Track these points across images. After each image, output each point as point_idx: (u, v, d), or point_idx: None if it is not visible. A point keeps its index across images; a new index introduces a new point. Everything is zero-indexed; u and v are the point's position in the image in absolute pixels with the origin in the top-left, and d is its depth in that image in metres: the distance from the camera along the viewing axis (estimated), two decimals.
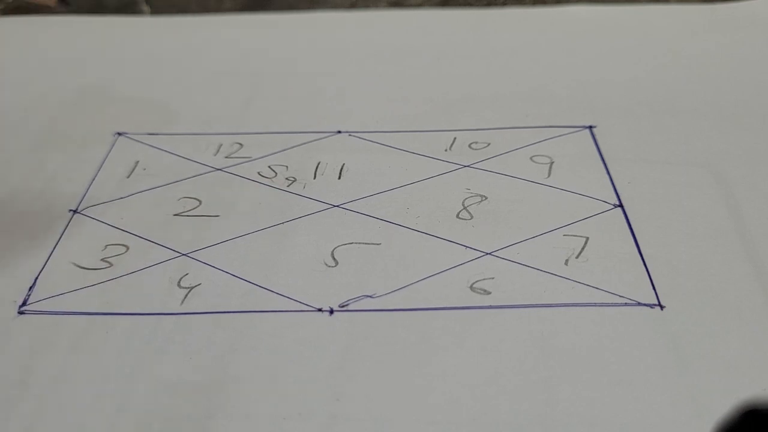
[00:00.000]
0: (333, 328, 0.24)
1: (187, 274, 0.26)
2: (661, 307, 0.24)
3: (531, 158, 0.31)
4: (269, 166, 0.31)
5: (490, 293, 0.25)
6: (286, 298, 0.25)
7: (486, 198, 0.29)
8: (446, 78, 0.37)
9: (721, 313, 0.24)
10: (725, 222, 0.27)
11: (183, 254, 0.27)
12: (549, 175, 0.30)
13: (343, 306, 0.24)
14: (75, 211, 0.29)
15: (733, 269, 0.25)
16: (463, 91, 0.35)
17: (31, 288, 0.26)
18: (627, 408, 0.21)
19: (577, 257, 0.26)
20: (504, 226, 0.27)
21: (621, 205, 0.28)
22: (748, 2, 0.41)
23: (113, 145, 0.32)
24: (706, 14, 0.41)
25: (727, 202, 0.28)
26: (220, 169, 0.31)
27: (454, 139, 0.32)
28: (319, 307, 0.24)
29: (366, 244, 0.27)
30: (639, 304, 0.24)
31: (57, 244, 0.27)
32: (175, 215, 0.29)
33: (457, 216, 0.28)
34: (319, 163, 0.31)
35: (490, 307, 0.24)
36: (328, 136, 0.33)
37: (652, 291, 0.24)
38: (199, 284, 0.25)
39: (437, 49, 0.39)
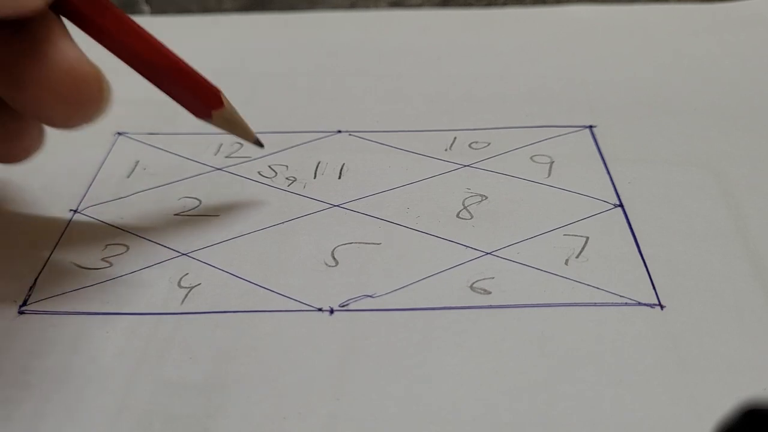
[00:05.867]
0: (333, 328, 0.24)
1: (187, 274, 0.26)
2: (661, 307, 0.24)
3: (531, 158, 0.31)
4: (269, 166, 0.31)
5: (490, 293, 0.25)
6: (286, 298, 0.25)
7: (486, 198, 0.29)
8: (446, 78, 0.37)
9: (721, 313, 0.24)
10: (725, 222, 0.27)
11: (183, 254, 0.27)
12: (549, 174, 0.30)
13: (343, 306, 0.24)
14: (75, 211, 0.29)
15: (733, 269, 0.25)
16: (463, 91, 0.35)
17: (31, 288, 0.26)
18: (627, 408, 0.21)
19: (577, 257, 0.26)
20: (504, 226, 0.27)
21: (621, 205, 0.28)
22: (748, 2, 0.41)
23: (113, 145, 0.33)
24: (706, 14, 0.41)
25: (727, 202, 0.28)
26: (220, 169, 0.31)
27: (454, 138, 0.32)
28: (319, 306, 0.24)
29: (366, 243, 0.27)
30: (639, 304, 0.24)
31: (57, 244, 0.27)
32: (175, 215, 0.29)
33: (457, 216, 0.28)
34: (319, 163, 0.31)
35: (491, 306, 0.24)
36: (328, 136, 0.33)
37: (652, 291, 0.24)
38: (199, 284, 0.25)
39: (437, 49, 0.39)
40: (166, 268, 0.26)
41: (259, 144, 0.28)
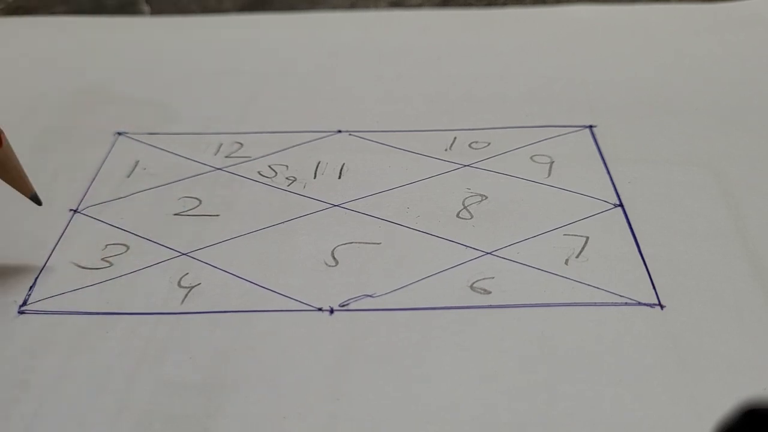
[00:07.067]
0: (333, 328, 0.24)
1: (187, 273, 0.26)
2: (661, 307, 0.24)
3: (531, 158, 0.31)
4: (269, 166, 0.31)
5: (490, 293, 0.25)
6: (286, 298, 0.25)
7: (486, 198, 0.29)
8: (446, 78, 0.37)
9: (721, 313, 0.24)
10: (725, 222, 0.27)
11: (183, 254, 0.27)
12: (549, 174, 0.30)
13: (343, 305, 0.24)
14: (75, 211, 0.29)
15: (733, 269, 0.25)
16: (463, 91, 0.35)
17: (31, 288, 0.26)
18: (627, 408, 0.21)
19: (577, 257, 0.26)
20: (504, 226, 0.27)
21: (621, 205, 0.28)
22: (748, 2, 0.41)
23: (113, 145, 0.32)
24: (706, 14, 0.41)
25: (727, 202, 0.28)
26: (220, 169, 0.31)
27: (454, 138, 0.32)
28: (319, 306, 0.24)
29: (366, 243, 0.27)
30: (639, 303, 0.24)
31: (57, 244, 0.27)
32: (175, 215, 0.29)
33: (457, 216, 0.28)
34: (319, 163, 0.31)
35: (490, 306, 0.24)
36: (328, 136, 0.33)
37: (653, 291, 0.24)
38: (199, 284, 0.25)
39: (437, 49, 0.39)
40: (166, 268, 0.26)
41: (37, 201, 0.26)
